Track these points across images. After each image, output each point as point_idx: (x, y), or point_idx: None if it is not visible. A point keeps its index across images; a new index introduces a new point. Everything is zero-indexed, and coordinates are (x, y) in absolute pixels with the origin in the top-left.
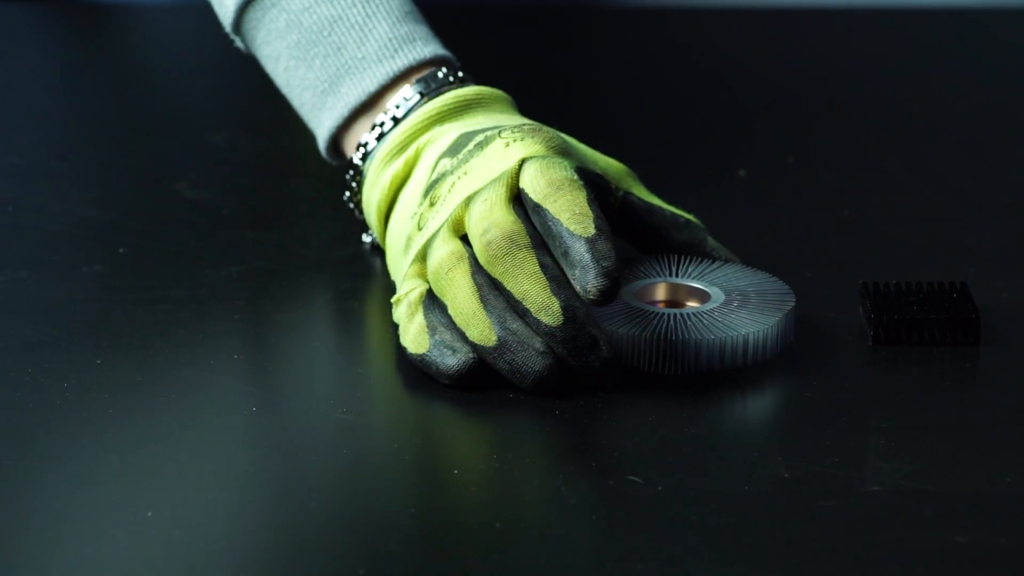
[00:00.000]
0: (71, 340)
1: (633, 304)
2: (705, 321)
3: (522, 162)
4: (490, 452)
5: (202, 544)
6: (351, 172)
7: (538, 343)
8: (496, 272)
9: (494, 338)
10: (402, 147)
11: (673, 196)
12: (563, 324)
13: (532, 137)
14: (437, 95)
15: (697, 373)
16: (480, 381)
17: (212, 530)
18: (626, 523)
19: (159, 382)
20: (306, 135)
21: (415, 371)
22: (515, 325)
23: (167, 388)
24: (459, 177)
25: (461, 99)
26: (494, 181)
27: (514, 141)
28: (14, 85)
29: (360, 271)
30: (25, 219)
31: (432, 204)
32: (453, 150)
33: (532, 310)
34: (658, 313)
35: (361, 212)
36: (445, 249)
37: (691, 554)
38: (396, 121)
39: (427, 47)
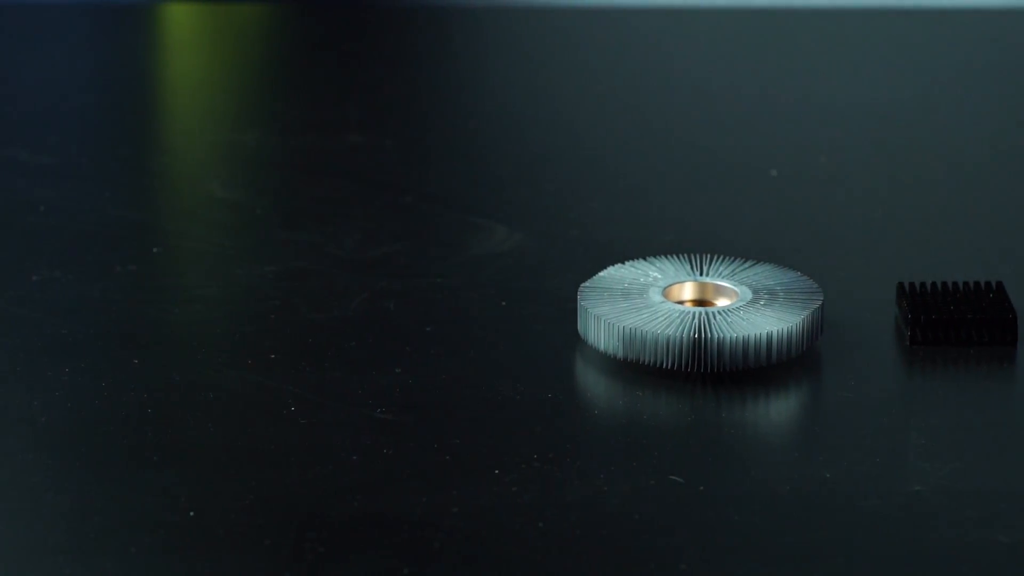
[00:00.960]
0: (107, 340)
1: (661, 303)
2: (730, 319)
3: None
4: (530, 452)
5: (243, 543)
6: None
7: None
8: None
9: None
10: None
11: (706, 196)
12: None
13: None
14: None
15: (723, 371)
16: None
17: (253, 529)
18: (669, 523)
19: (197, 382)
20: (335, 136)
21: (451, 371)
22: None
23: (205, 388)
24: None
25: None
26: None
27: None
28: (44, 84)
29: (394, 271)
30: (57, 219)
31: None
32: None
33: None
34: (682, 311)
35: None
36: None
37: (736, 554)
38: None
39: None
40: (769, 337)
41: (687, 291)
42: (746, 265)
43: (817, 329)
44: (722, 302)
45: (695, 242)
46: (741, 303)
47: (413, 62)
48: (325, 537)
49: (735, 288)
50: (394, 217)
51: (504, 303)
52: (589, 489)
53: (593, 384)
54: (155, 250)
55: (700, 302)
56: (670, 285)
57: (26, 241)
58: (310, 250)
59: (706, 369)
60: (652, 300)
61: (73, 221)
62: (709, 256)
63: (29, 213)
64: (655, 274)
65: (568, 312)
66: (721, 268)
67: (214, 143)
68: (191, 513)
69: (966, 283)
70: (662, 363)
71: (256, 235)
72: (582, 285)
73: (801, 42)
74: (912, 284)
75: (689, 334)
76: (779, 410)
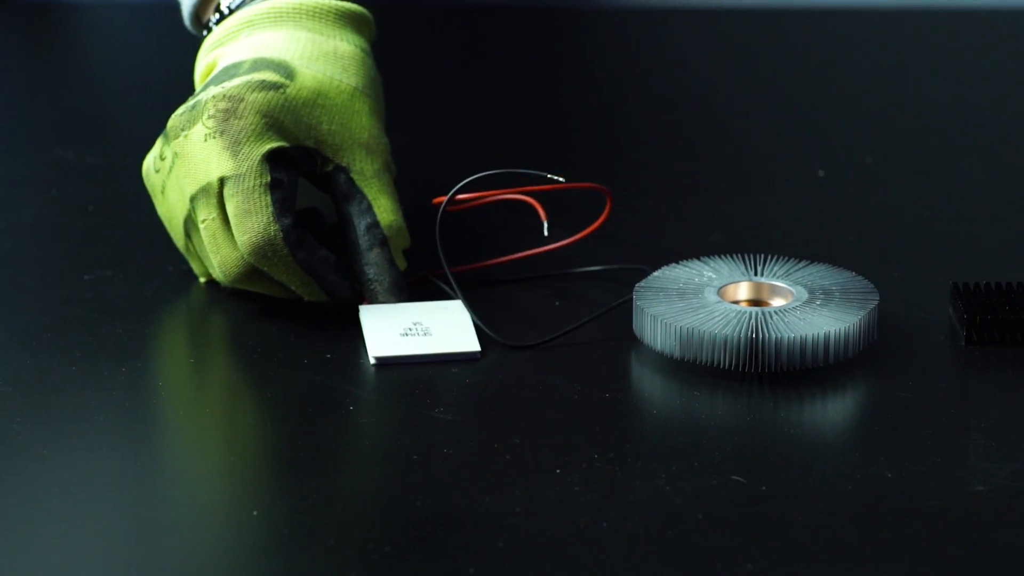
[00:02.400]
0: (163, 339)
1: (718, 303)
2: (787, 319)
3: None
4: (591, 451)
5: (308, 542)
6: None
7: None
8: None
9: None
10: (217, 43)
11: (753, 197)
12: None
13: (224, 138)
14: None
15: (779, 371)
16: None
17: (318, 528)
18: (732, 523)
19: (254, 381)
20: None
21: (507, 371)
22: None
23: (262, 386)
24: (176, 151)
25: (275, 11)
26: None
27: (211, 136)
28: (91, 85)
29: None
30: (106, 219)
31: (166, 138)
32: (217, 79)
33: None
34: (739, 311)
35: None
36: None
37: (801, 554)
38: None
39: None
40: (827, 337)
41: (743, 291)
42: (800, 265)
43: (873, 329)
44: (777, 302)
45: (744, 242)
46: (797, 303)
47: (452, 61)
48: (390, 536)
49: (790, 288)
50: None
51: (557, 303)
52: (652, 489)
53: (649, 383)
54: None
55: (755, 302)
56: (725, 285)
57: (77, 241)
58: None
59: (762, 369)
60: (708, 300)
61: (123, 221)
62: (763, 256)
63: (78, 213)
64: (709, 274)
65: (621, 311)
66: (776, 268)
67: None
68: (255, 512)
69: (1020, 283)
70: (719, 363)
71: None
72: (637, 285)
73: (844, 44)
74: (966, 284)
75: (747, 334)
76: (837, 410)
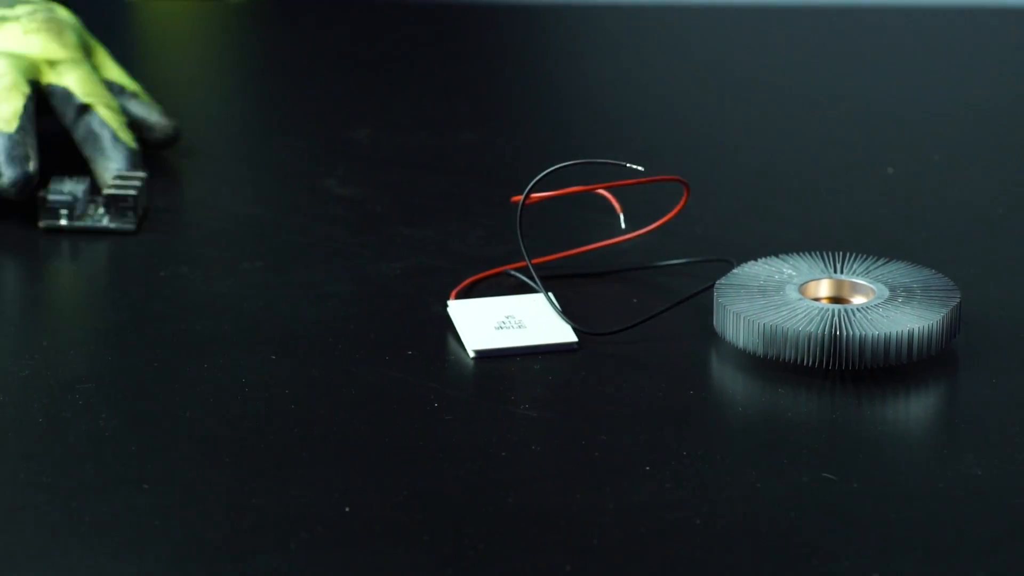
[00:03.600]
0: (241, 336)
1: (798, 300)
2: (870, 317)
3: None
4: (679, 449)
5: (403, 539)
6: None
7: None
8: None
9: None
10: None
11: (824, 194)
12: (12, 134)
13: (46, 32)
14: None
15: (861, 369)
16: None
17: (410, 525)
18: (826, 520)
19: (338, 378)
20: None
21: (593, 367)
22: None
23: (347, 384)
24: None
25: None
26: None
27: (32, 32)
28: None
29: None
30: (178, 216)
31: None
32: None
33: None
34: (822, 309)
35: None
36: None
37: (897, 551)
38: None
39: None
40: (910, 334)
41: (824, 288)
42: (879, 263)
43: (955, 326)
44: (858, 299)
45: (817, 240)
46: (879, 300)
47: (520, 59)
48: (483, 533)
49: (871, 285)
50: (514, 213)
51: (635, 300)
52: (743, 486)
53: (732, 380)
54: (280, 246)
55: (837, 299)
56: (806, 282)
57: (151, 237)
58: (435, 247)
59: (845, 366)
60: (790, 297)
61: (194, 218)
62: (842, 253)
63: (149, 210)
64: (789, 271)
65: (699, 308)
66: (855, 265)
67: (326, 140)
68: (346, 508)
69: None
70: (802, 360)
71: (379, 232)
72: (718, 282)
73: (908, 41)
74: None
75: (830, 331)
76: (921, 407)
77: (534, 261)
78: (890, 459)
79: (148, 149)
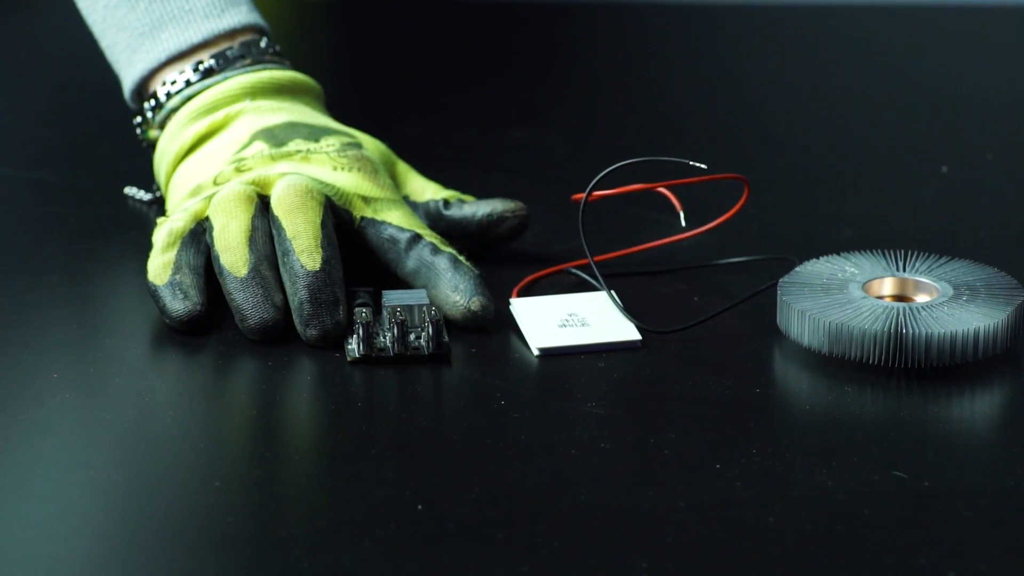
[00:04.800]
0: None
1: (863, 298)
2: (935, 315)
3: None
4: (748, 446)
5: (477, 536)
6: (152, 106)
7: (278, 297)
8: (281, 208)
9: (244, 271)
10: (211, 109)
11: (879, 193)
12: (318, 272)
13: (359, 171)
14: (257, 63)
15: (926, 367)
16: (203, 330)
17: (484, 522)
18: (898, 518)
19: (402, 377)
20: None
21: (653, 365)
22: (267, 272)
23: (413, 382)
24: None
25: (276, 82)
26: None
27: (343, 169)
28: None
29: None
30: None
31: (239, 171)
32: (274, 138)
33: (296, 250)
34: (887, 307)
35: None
36: (239, 186)
37: (971, 549)
38: (206, 74)
39: (251, 14)
40: (976, 333)
41: (887, 286)
42: (941, 261)
43: (1020, 324)
44: (922, 298)
45: (874, 238)
46: (943, 299)
47: (569, 57)
48: (557, 530)
49: (935, 284)
50: (570, 212)
51: (696, 298)
52: (814, 484)
53: (796, 378)
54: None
55: (900, 297)
56: (869, 280)
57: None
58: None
59: (909, 365)
60: (854, 295)
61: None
62: (903, 251)
63: None
64: (851, 269)
65: (760, 306)
66: (917, 263)
67: (377, 136)
68: (419, 506)
69: None
70: (867, 358)
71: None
72: (781, 280)
73: (960, 40)
74: None
75: (896, 329)
76: (987, 405)
77: (597, 258)
78: (959, 457)
79: (505, 243)
